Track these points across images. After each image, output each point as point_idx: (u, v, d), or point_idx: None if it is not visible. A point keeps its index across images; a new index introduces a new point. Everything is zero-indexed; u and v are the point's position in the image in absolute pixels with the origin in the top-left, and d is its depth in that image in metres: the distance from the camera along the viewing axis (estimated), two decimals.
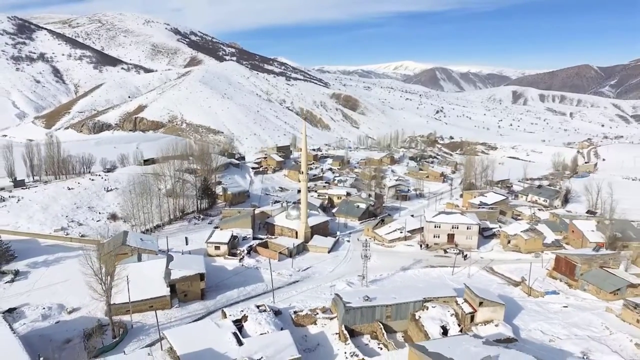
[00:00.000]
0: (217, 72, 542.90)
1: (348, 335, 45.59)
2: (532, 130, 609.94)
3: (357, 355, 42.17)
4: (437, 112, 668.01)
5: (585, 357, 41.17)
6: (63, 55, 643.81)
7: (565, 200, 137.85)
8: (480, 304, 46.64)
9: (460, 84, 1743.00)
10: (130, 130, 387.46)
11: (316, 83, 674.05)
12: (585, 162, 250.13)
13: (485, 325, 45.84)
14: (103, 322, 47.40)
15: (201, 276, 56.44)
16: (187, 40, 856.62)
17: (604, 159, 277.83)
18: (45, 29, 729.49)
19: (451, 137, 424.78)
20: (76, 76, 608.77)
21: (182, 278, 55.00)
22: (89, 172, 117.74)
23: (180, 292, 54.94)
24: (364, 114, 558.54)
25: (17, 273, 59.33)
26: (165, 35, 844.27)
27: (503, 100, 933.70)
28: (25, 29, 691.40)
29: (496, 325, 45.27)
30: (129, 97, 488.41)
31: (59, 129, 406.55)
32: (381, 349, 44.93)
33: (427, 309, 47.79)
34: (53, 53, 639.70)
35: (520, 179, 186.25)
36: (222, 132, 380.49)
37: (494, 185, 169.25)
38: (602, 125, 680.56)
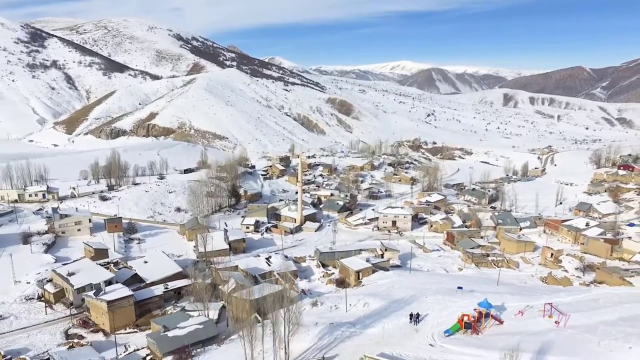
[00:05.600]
0: (220, 80, 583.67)
1: (321, 265, 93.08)
2: (519, 132, 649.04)
3: (324, 272, 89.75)
4: (428, 115, 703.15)
5: (428, 270, 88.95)
6: (74, 62, 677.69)
7: (495, 199, 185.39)
8: (385, 249, 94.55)
9: (456, 84, 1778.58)
10: (143, 136, 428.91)
11: (313, 87, 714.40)
12: (535, 168, 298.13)
13: (388, 260, 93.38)
14: (198, 260, 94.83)
15: (243, 240, 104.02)
16: (189, 46, 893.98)
17: (555, 165, 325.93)
18: (56, 36, 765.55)
19: (434, 143, 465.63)
20: (87, 82, 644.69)
21: (234, 240, 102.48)
22: (125, 175, 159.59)
23: (233, 248, 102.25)
24: (358, 118, 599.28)
25: (139, 239, 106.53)
26: (168, 41, 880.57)
27: (494, 102, 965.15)
28: (37, 37, 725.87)
29: (393, 260, 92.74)
30: (140, 104, 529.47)
31: (79, 134, 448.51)
32: None
33: (361, 253, 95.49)
34: (64, 60, 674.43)
35: (474, 182, 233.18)
36: (227, 138, 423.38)
37: (450, 188, 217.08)
38: (587, 128, 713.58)
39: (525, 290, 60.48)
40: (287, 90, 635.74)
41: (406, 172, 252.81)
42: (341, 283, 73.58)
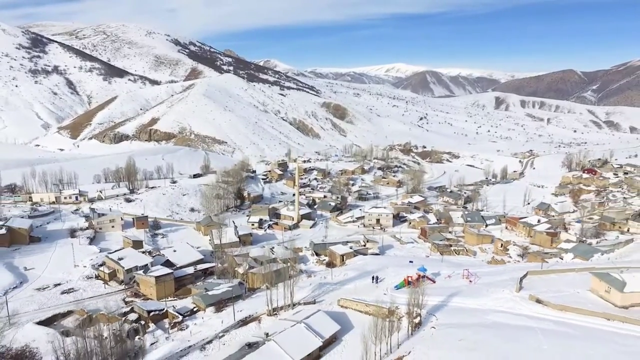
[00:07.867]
0: (218, 85, 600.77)
1: (315, 254, 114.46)
2: (509, 135, 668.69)
3: (317, 259, 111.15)
4: (421, 119, 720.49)
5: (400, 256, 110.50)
6: (75, 67, 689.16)
7: (471, 200, 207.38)
8: (367, 241, 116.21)
9: (450, 87, 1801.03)
10: (146, 141, 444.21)
11: (308, 92, 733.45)
12: (514, 171, 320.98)
13: (367, 248, 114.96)
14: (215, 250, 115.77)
15: (250, 234, 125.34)
16: (187, 51, 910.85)
17: (534, 168, 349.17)
18: (56, 41, 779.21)
19: (424, 147, 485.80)
20: (88, 87, 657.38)
21: (243, 234, 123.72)
22: (135, 179, 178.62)
23: (242, 241, 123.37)
24: (352, 122, 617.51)
25: (163, 234, 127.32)
26: (166, 46, 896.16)
27: (486, 105, 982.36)
28: (38, 42, 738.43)
29: (373, 250, 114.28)
30: (141, 109, 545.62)
31: (84, 139, 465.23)
32: None
33: (347, 244, 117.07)
34: (65, 65, 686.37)
35: (455, 184, 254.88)
36: (226, 143, 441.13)
37: (433, 190, 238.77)
38: (575, 131, 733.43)
39: (457, 265, 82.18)
40: (283, 95, 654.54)
41: (394, 176, 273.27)
42: (330, 264, 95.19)
